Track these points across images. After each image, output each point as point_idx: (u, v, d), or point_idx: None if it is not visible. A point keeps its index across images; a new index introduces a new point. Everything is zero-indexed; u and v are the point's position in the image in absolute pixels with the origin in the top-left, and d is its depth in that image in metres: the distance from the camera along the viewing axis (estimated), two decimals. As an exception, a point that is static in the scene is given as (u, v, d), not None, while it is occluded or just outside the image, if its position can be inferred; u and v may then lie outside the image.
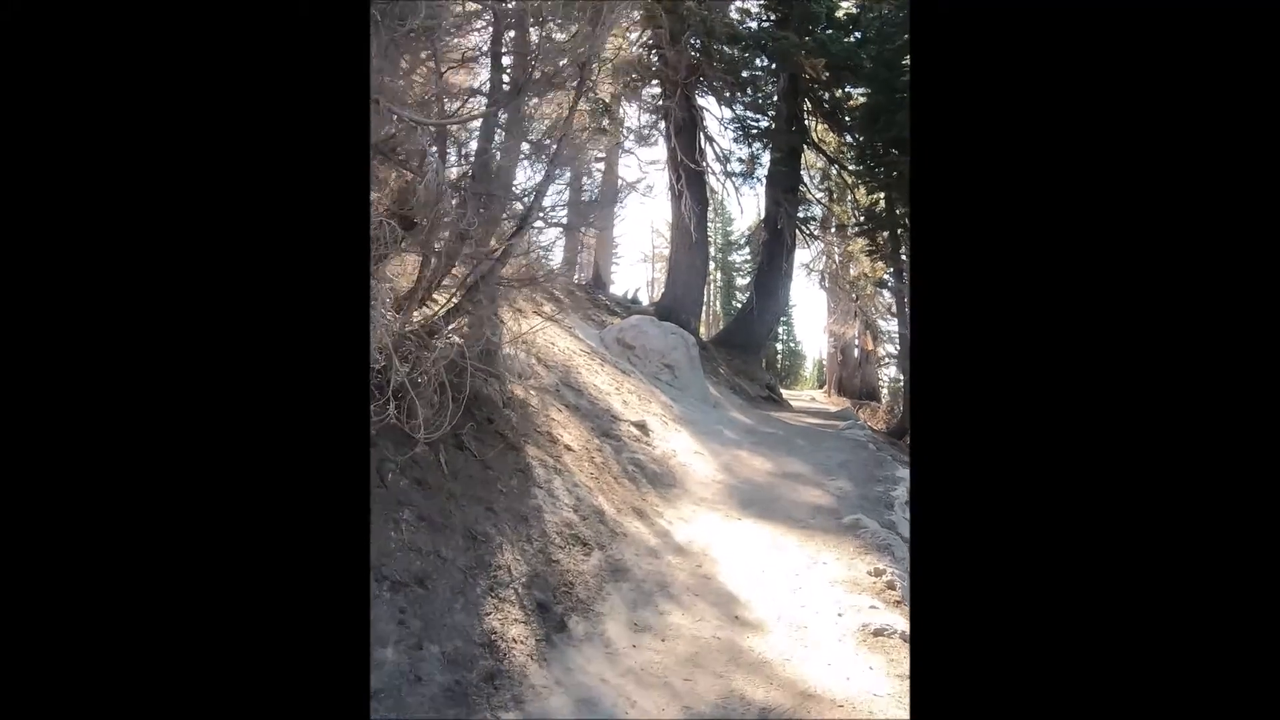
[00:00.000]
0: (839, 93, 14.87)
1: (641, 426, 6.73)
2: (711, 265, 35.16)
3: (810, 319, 68.01)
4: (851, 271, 18.10)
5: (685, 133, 14.20)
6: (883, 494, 6.21)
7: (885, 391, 19.88)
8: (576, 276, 23.24)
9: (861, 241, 17.85)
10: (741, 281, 28.86)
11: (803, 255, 18.80)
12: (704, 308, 34.10)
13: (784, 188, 15.08)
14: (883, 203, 12.20)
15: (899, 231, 11.87)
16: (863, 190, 15.16)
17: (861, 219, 13.42)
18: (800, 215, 15.59)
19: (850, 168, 15.27)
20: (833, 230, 16.88)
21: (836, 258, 17.77)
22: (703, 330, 21.67)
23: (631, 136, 19.66)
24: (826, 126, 16.01)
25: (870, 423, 14.87)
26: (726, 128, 15.14)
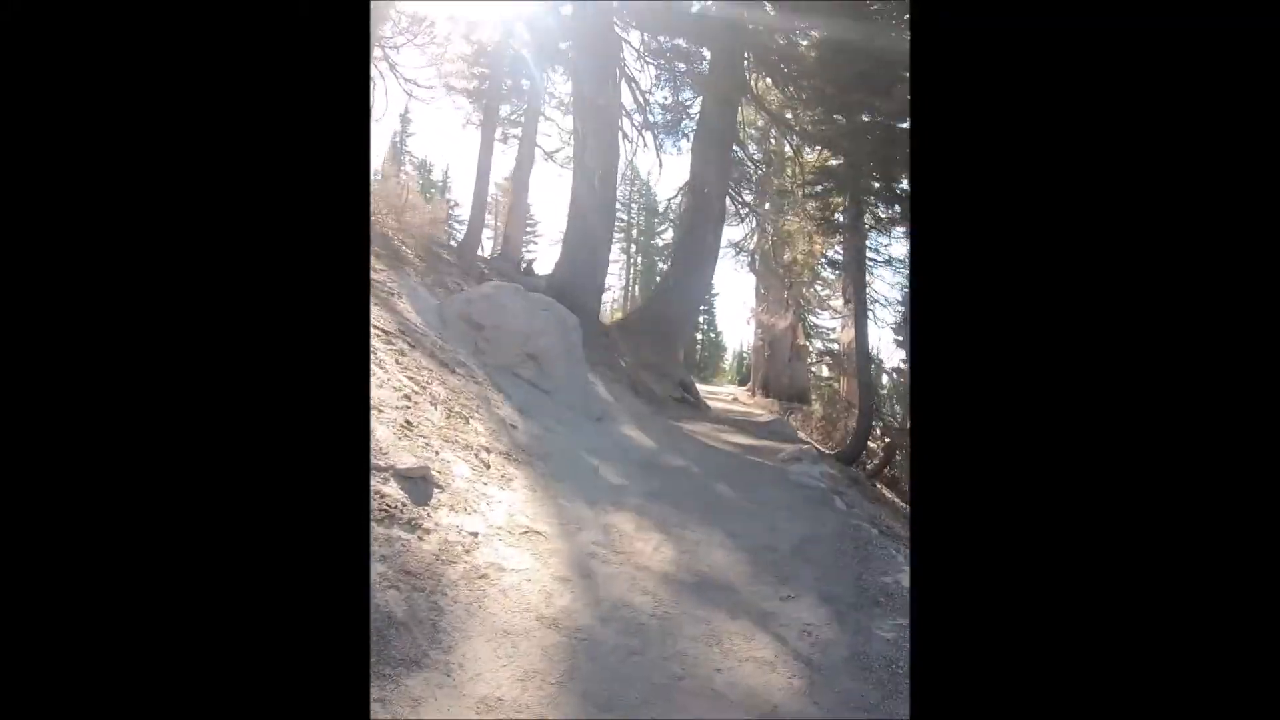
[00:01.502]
0: (790, 38, 11.53)
1: (419, 480, 3.16)
2: (632, 248, 31.69)
3: (732, 306, 64.61)
4: (785, 255, 14.86)
5: (597, 63, 10.60)
6: (895, 645, 2.80)
7: (817, 397, 16.78)
8: (487, 250, 19.69)
9: (798, 221, 14.66)
10: (665, 267, 25.45)
11: (732, 234, 15.53)
12: (623, 291, 30.72)
13: (715, 145, 11.67)
14: (841, 158, 8.83)
15: (861, 197, 8.57)
16: (813, 155, 11.88)
17: (813, 178, 9.93)
18: (733, 179, 12.21)
19: (798, 124, 11.93)
20: (772, 197, 13.53)
21: (770, 236, 14.47)
22: (616, 314, 18.24)
23: (552, 101, 16.09)
24: (770, 82, 12.68)
25: (804, 432, 11.66)
26: (648, 63, 11.54)
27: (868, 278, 8.83)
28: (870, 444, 12.04)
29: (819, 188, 9.26)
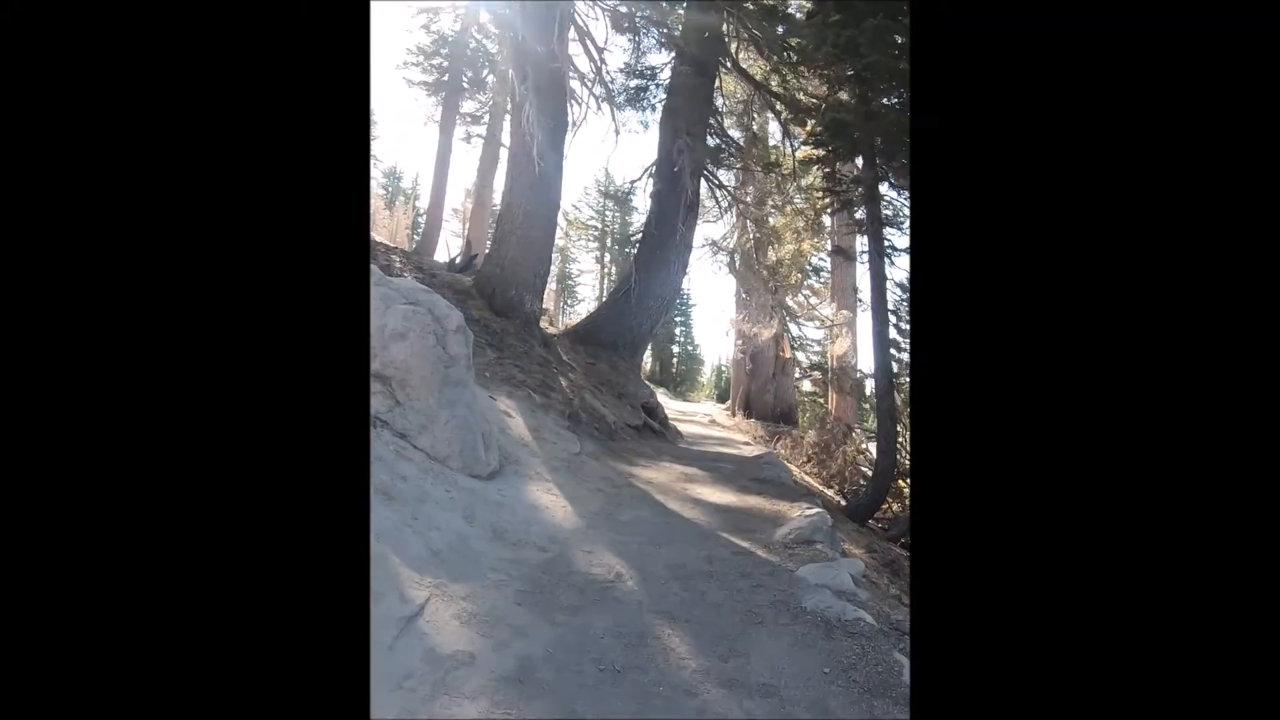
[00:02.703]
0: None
1: None
2: (606, 257, 29.08)
3: (711, 316, 60.73)
4: (770, 254, 12.43)
5: (540, 2, 8.15)
6: None
7: (804, 415, 14.36)
8: (449, 255, 17.52)
9: (785, 216, 12.27)
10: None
11: (710, 231, 13.11)
12: (596, 304, 28.04)
13: (688, 118, 9.25)
14: (852, 100, 6.34)
15: (879, 162, 6.15)
16: (805, 136, 9.46)
17: (817, 129, 7.28)
18: (708, 160, 9.76)
19: (787, 92, 9.53)
20: (755, 183, 11.09)
21: (753, 233, 12.03)
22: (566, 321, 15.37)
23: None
24: (754, 53, 10.34)
25: (796, 464, 9.20)
26: (604, 12, 9.06)
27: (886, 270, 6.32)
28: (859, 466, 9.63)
29: (821, 152, 6.73)
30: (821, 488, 8.02)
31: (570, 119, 8.51)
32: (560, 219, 30.91)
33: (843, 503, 6.72)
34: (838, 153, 6.50)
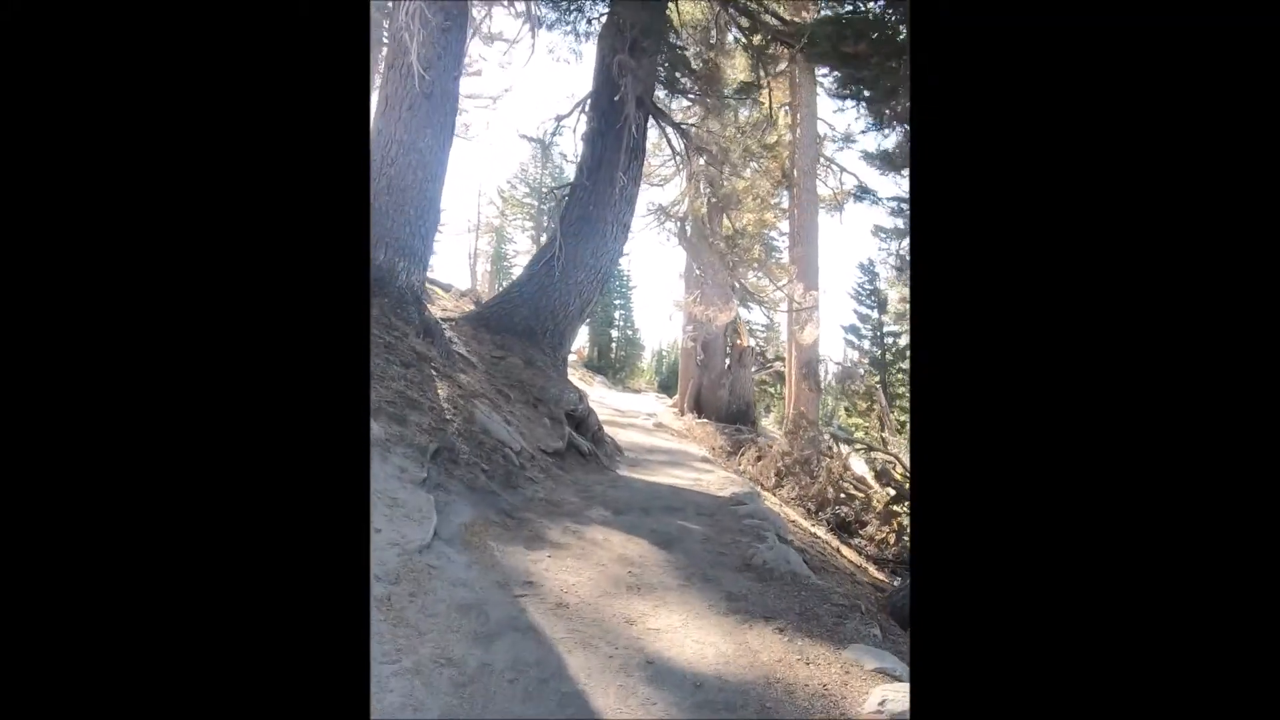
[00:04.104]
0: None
1: None
2: (543, 238, 26.23)
3: (651, 294, 57.47)
4: (727, 223, 10.06)
5: None
6: None
7: (764, 411, 12.16)
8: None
9: (745, 180, 9.94)
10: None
11: (656, 196, 10.68)
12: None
13: (632, 33, 6.76)
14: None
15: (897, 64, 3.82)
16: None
17: (841, 21, 4.60)
18: (658, 83, 7.30)
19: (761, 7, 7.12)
20: (713, 125, 8.61)
21: (706, 195, 9.62)
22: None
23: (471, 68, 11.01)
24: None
25: (764, 486, 6.93)
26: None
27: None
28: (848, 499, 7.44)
29: (842, 35, 4.29)
30: (811, 525, 5.78)
31: (470, 17, 5.90)
32: (495, 196, 27.51)
33: (870, 568, 4.46)
34: (852, 47, 4.11)
